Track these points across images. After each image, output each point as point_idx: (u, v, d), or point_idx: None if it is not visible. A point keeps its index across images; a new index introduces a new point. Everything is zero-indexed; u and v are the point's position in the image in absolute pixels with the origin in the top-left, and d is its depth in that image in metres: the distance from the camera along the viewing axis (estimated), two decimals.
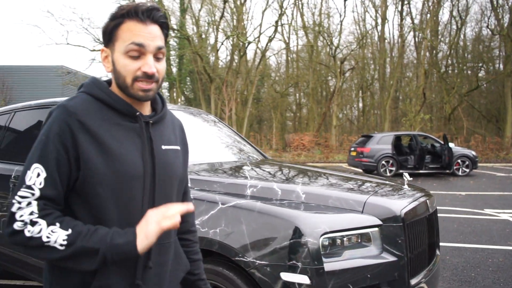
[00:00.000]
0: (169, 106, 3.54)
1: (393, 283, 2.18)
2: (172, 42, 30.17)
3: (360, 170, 14.10)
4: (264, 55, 28.11)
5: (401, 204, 2.29)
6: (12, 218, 1.11)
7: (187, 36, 25.13)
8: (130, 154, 1.20)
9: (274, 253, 2.03)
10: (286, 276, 1.99)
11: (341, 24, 28.18)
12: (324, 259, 2.01)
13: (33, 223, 1.10)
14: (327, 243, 2.05)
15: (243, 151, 3.78)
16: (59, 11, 61.17)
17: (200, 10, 28.60)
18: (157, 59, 1.21)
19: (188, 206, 1.17)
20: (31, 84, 26.22)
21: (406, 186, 2.65)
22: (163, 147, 1.29)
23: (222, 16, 26.01)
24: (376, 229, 2.20)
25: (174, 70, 30.90)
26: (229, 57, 29.34)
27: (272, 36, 26.01)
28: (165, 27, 1.24)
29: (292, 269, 1.98)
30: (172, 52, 31.14)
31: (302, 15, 30.47)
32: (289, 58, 35.72)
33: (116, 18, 1.20)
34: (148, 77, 1.18)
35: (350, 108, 41.02)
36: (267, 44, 26.97)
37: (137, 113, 1.24)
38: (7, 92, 24.59)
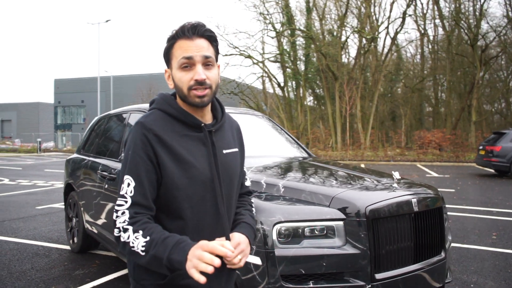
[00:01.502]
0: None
1: (356, 275, 2.31)
2: (300, 41, 30.89)
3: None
4: (391, 49, 26.90)
5: (368, 200, 2.37)
6: (114, 225, 1.30)
7: (311, 35, 25.51)
8: (199, 161, 1.36)
9: None
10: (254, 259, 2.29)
11: (481, 8, 25.39)
12: (278, 245, 2.26)
13: (125, 230, 1.27)
14: (284, 231, 2.29)
15: (281, 148, 4.08)
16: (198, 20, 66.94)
17: (324, 8, 28.70)
18: (206, 67, 1.36)
19: (227, 251, 1.19)
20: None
21: (395, 185, 2.67)
22: (224, 151, 1.45)
23: (346, 13, 25.72)
24: (341, 222, 2.34)
25: (302, 69, 31.56)
26: (354, 54, 28.82)
27: (399, 29, 24.78)
28: (213, 40, 1.39)
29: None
30: (300, 52, 31.89)
31: (436, 3, 28.25)
32: (424, 50, 33.47)
33: (169, 41, 1.39)
34: (200, 83, 1.33)
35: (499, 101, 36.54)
36: (394, 37, 25.80)
37: (202, 124, 1.40)
38: (153, 97, 28.17)
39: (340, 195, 2.42)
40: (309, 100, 33.81)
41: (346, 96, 23.66)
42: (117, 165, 3.67)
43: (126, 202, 1.30)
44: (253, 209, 1.64)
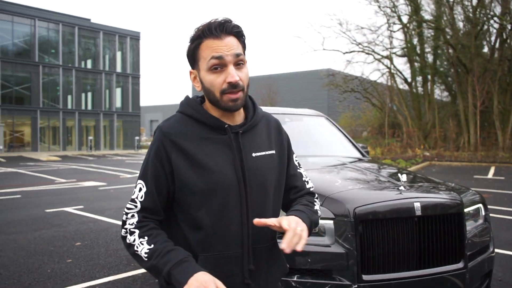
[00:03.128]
0: (273, 109, 4.28)
1: (343, 274, 2.36)
2: (428, 33, 28.81)
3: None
4: None
5: (359, 202, 2.39)
6: (122, 225, 1.31)
7: (440, 25, 23.63)
8: (220, 166, 1.27)
9: None
10: None
11: None
12: None
13: (131, 233, 1.26)
14: None
15: (329, 149, 4.12)
16: (318, 20, 66.39)
17: None
18: (238, 66, 1.27)
19: None
20: (295, 88, 30.06)
21: (402, 187, 2.59)
22: (254, 154, 1.34)
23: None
24: (330, 221, 2.41)
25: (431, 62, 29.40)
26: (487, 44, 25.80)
27: None
28: (240, 35, 1.30)
29: None
30: (429, 44, 29.73)
31: None
32: None
33: (194, 40, 1.28)
34: (233, 86, 1.24)
35: None
36: None
37: (226, 126, 1.31)
38: (272, 97, 29.17)
39: (333, 195, 2.48)
40: (438, 95, 31.24)
41: (477, 90, 21.36)
42: None
43: (135, 206, 1.30)
44: (315, 205, 1.48)
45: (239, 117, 1.37)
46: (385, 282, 2.35)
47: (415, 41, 29.48)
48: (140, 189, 1.30)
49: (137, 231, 1.26)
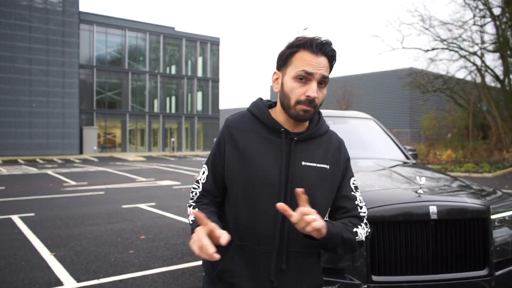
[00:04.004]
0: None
1: (354, 273, 2.41)
2: None
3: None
4: None
5: (369, 204, 2.40)
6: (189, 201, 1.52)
7: None
8: (266, 165, 1.36)
9: None
10: None
11: None
12: None
13: (189, 206, 1.48)
14: None
15: (375, 152, 4.09)
16: (397, 18, 63.40)
17: None
18: (320, 86, 1.35)
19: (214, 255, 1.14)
20: (373, 89, 29.14)
21: (420, 190, 2.54)
22: (304, 163, 1.39)
23: None
24: None
25: None
26: None
27: None
28: (332, 59, 1.38)
29: None
30: None
31: None
32: None
33: (293, 47, 1.36)
34: (310, 101, 1.33)
35: None
36: None
37: (282, 129, 1.40)
38: (348, 98, 28.58)
39: None
40: None
41: None
42: None
43: (198, 186, 1.48)
44: (357, 228, 1.39)
45: (302, 126, 1.43)
46: (396, 284, 2.36)
47: (508, 34, 27.11)
48: (204, 173, 1.48)
49: (193, 205, 1.46)
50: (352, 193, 1.48)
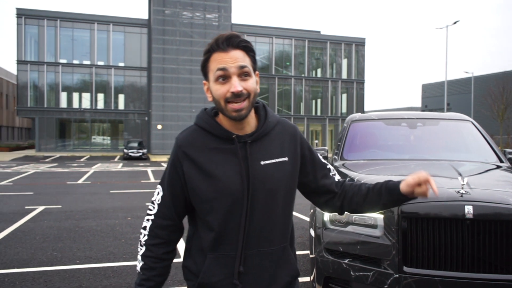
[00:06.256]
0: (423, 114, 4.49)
1: (389, 263, 2.62)
2: None
3: None
4: None
5: None
6: (143, 225, 1.49)
7: None
8: (227, 174, 1.35)
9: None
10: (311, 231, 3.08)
11: None
12: (328, 225, 2.90)
13: (140, 245, 1.47)
14: (335, 217, 2.89)
15: (467, 154, 4.01)
16: None
17: None
18: (242, 78, 1.33)
19: None
20: None
21: (462, 190, 2.58)
22: (263, 162, 1.39)
23: None
24: (381, 216, 2.70)
25: None
26: None
27: None
28: (248, 50, 1.37)
29: (311, 225, 3.05)
30: None
31: None
32: None
33: (205, 54, 1.37)
34: (236, 96, 1.31)
35: None
36: None
37: (233, 136, 1.38)
38: (507, 96, 25.26)
39: None
40: None
41: None
42: None
43: (154, 208, 1.46)
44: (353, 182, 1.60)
45: (250, 126, 1.43)
46: (427, 277, 2.49)
47: None
48: (158, 193, 1.47)
49: (143, 249, 1.45)
50: (328, 167, 1.60)
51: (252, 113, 1.44)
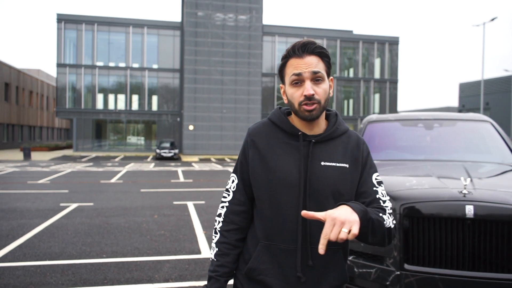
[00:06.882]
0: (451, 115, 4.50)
1: (391, 261, 2.68)
2: None
3: None
4: None
5: (407, 199, 2.62)
6: (218, 211, 1.61)
7: None
8: (286, 167, 1.43)
9: None
10: None
11: None
12: None
13: (215, 232, 1.58)
14: None
15: (484, 153, 3.98)
16: None
17: None
18: (315, 83, 1.42)
19: None
20: None
21: (465, 190, 2.59)
22: (323, 163, 1.45)
23: None
24: None
25: None
26: None
27: None
28: (323, 56, 1.45)
29: None
30: None
31: None
32: None
33: (283, 59, 1.48)
34: (308, 99, 1.40)
35: None
36: None
37: (299, 133, 1.47)
38: None
39: (391, 193, 2.79)
40: None
41: None
42: None
43: (228, 195, 1.57)
44: (384, 215, 1.43)
45: (319, 129, 1.51)
46: (428, 274, 2.54)
47: None
48: (233, 181, 1.58)
49: (217, 236, 1.56)
50: (374, 188, 1.51)
51: (323, 117, 1.52)
